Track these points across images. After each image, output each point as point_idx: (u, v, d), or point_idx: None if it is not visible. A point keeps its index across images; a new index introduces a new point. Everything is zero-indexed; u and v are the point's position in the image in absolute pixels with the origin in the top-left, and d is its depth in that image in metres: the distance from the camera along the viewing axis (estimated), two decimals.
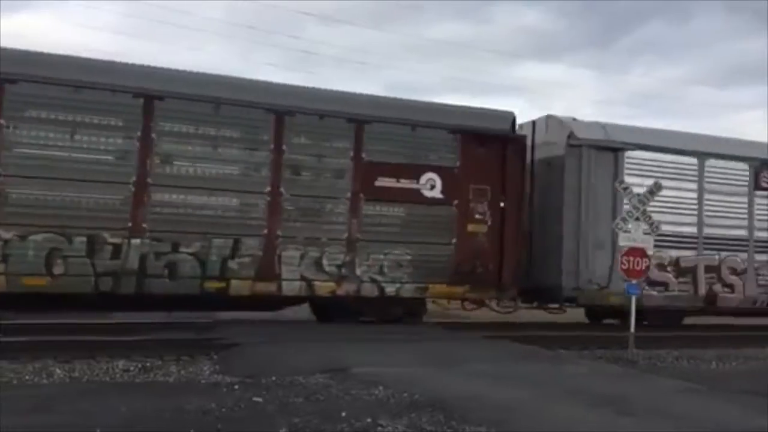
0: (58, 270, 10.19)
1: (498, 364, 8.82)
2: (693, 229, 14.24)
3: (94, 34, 37.70)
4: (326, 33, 45.99)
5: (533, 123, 14.26)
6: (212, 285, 11.01)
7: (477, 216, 12.57)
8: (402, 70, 49.59)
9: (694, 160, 14.32)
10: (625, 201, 11.67)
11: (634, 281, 11.01)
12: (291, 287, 11.49)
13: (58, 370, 7.83)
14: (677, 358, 10.66)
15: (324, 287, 11.71)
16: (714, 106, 50.24)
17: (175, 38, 43.51)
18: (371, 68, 53.01)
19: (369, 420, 5.58)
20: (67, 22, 44.55)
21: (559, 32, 51.87)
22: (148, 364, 8.43)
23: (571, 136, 13.57)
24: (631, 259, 10.97)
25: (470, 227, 12.53)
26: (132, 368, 8.20)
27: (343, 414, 5.74)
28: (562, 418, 6.07)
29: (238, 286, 11.15)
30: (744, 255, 14.62)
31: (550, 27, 52.27)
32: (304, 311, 12.82)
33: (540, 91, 51.67)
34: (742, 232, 14.65)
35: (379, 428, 5.40)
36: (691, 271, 14.16)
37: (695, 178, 14.32)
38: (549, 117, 14.29)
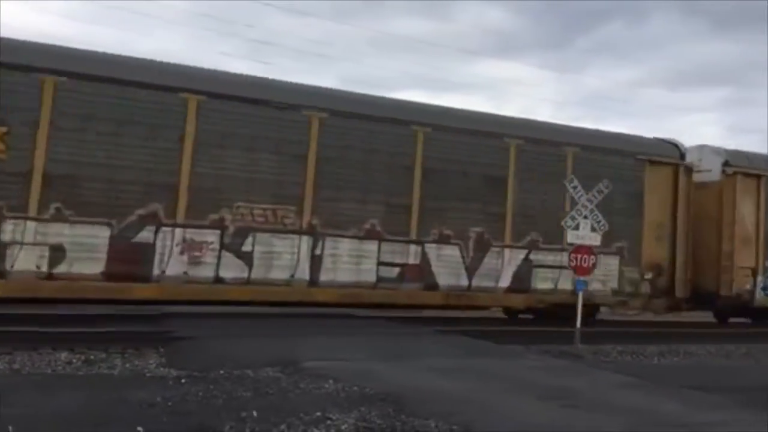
0: None
1: (449, 358, 8.90)
2: None
3: (43, 18, 36.41)
4: (287, 24, 45.49)
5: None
6: None
7: None
8: (361, 64, 49.49)
9: None
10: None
11: (582, 278, 11.24)
12: None
13: None
14: (621, 353, 10.93)
15: None
16: (665, 108, 51.66)
17: (128, 24, 42.34)
18: (330, 61, 52.67)
19: (318, 414, 5.56)
20: (14, 2, 42.84)
21: (520, 31, 52.56)
22: (92, 357, 8.21)
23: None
24: (579, 256, 11.19)
25: None
26: (75, 360, 7.98)
27: (292, 408, 5.70)
28: (510, 410, 6.17)
29: None
30: None
31: (511, 26, 52.94)
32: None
33: (499, 89, 52.28)
34: None
35: (329, 422, 5.38)
36: None
37: None
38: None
